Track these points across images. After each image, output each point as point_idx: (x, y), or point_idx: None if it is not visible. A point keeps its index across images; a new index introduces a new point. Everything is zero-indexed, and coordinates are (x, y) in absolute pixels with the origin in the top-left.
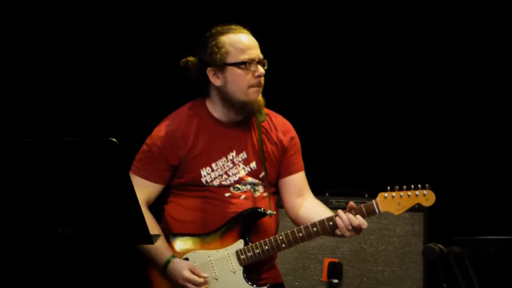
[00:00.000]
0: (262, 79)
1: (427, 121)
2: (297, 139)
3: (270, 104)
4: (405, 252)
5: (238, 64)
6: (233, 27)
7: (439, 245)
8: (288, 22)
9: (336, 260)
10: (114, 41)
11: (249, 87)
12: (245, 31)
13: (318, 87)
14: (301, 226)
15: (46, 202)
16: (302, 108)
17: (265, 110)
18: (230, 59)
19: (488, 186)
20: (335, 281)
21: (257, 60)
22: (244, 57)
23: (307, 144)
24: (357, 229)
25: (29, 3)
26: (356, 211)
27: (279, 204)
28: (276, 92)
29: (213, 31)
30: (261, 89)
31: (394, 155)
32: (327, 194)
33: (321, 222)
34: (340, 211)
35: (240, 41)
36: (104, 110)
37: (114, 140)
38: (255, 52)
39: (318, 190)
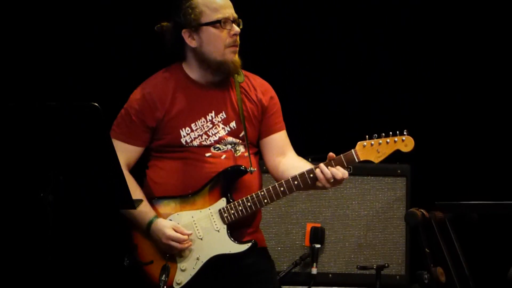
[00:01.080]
0: (238, 38)
1: (408, 87)
2: (276, 99)
3: (249, 68)
4: (387, 217)
5: (213, 23)
6: None
7: (422, 210)
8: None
9: (318, 225)
10: (93, 6)
11: (225, 46)
12: None
13: (299, 57)
14: (282, 180)
15: (27, 166)
16: (285, 75)
17: (243, 72)
18: (205, 19)
19: (470, 151)
20: (317, 246)
21: (231, 19)
22: (218, 16)
23: (290, 111)
24: (338, 181)
25: None
26: (336, 162)
27: (263, 169)
28: (258, 58)
29: None
30: (237, 49)
31: (376, 123)
32: (309, 160)
33: (302, 174)
34: (321, 164)
35: (214, 1)
36: (84, 76)
37: (96, 104)
38: (229, 11)
39: (301, 155)
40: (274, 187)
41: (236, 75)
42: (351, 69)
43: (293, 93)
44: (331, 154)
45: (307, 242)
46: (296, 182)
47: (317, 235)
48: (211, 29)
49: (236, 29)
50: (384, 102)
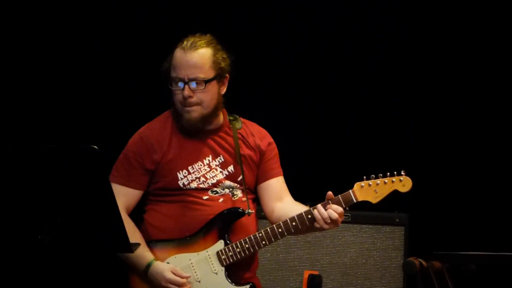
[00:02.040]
0: (193, 99)
1: (407, 135)
2: (274, 145)
3: (249, 114)
4: (385, 266)
5: (169, 80)
6: (188, 40)
7: (420, 260)
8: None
9: (316, 272)
10: (96, 47)
11: (180, 105)
12: (193, 46)
13: (297, 99)
14: (280, 222)
15: (26, 207)
16: (282, 120)
17: (241, 119)
18: (170, 74)
19: (469, 201)
20: None
21: (185, 80)
22: (172, 74)
23: (289, 155)
24: (335, 222)
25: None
26: (333, 202)
27: (260, 215)
28: (255, 104)
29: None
30: (189, 109)
31: (375, 168)
32: (308, 205)
33: (300, 215)
34: (318, 205)
35: (176, 57)
36: (86, 118)
37: (95, 147)
38: (184, 72)
39: (299, 200)
40: (272, 228)
41: (234, 122)
42: (348, 110)
43: (290, 138)
44: (329, 193)
45: None
46: (294, 223)
47: (315, 282)
48: (172, 85)
49: (185, 92)
50: (382, 146)
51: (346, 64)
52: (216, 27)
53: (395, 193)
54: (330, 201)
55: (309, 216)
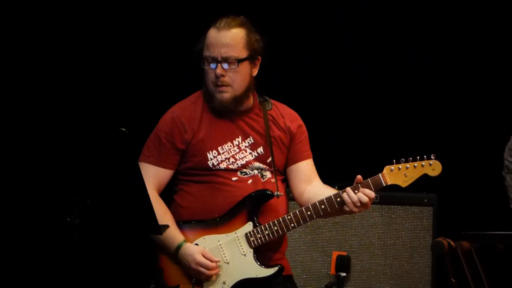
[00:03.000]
0: (226, 78)
1: (436, 117)
2: (304, 127)
3: (279, 98)
4: (413, 246)
5: (202, 60)
6: (221, 20)
7: (448, 240)
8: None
9: (344, 253)
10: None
11: (212, 84)
12: (228, 26)
13: (327, 84)
14: (309, 204)
15: (55, 190)
16: (312, 102)
17: (272, 101)
18: (203, 53)
19: (497, 180)
20: (343, 274)
21: (218, 59)
22: (205, 53)
23: (317, 138)
24: (365, 205)
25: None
26: (363, 186)
27: (289, 196)
28: (287, 88)
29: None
30: (222, 89)
31: (403, 150)
32: (336, 187)
33: (329, 198)
34: (348, 188)
35: (209, 36)
36: (116, 100)
37: (123, 129)
38: (218, 50)
39: (327, 183)
40: (301, 211)
41: (264, 103)
42: (376, 95)
43: (319, 121)
44: (358, 177)
45: (332, 271)
46: (323, 206)
47: (343, 263)
48: (204, 64)
49: (217, 70)
50: (412, 130)
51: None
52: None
53: (424, 174)
54: (360, 184)
55: (338, 199)
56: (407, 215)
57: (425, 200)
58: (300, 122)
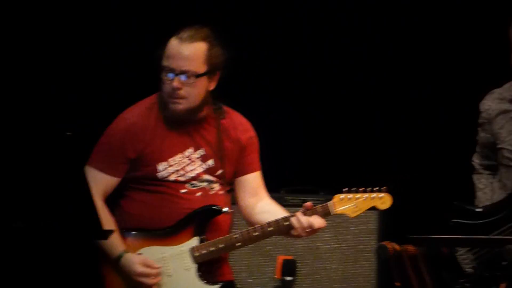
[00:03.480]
0: (181, 92)
1: (383, 119)
2: (256, 139)
3: (230, 101)
4: (359, 250)
5: (160, 68)
6: (185, 31)
7: (393, 244)
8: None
9: (290, 257)
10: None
11: (167, 95)
12: (190, 38)
13: (276, 84)
14: (257, 226)
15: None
16: (259, 105)
17: (225, 108)
18: (162, 62)
19: (443, 185)
20: (289, 278)
21: (176, 72)
22: (164, 63)
23: (265, 141)
24: (315, 230)
25: None
26: (311, 213)
27: (233, 201)
28: (234, 90)
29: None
30: (177, 100)
31: (349, 152)
32: (282, 191)
33: (277, 222)
34: (298, 213)
35: (170, 47)
36: (63, 101)
37: (69, 133)
38: (176, 63)
39: (274, 187)
40: (248, 232)
41: (218, 111)
42: (334, 110)
43: (268, 126)
44: (307, 204)
45: (278, 275)
46: (270, 229)
47: (289, 267)
48: (162, 73)
49: (173, 83)
50: (357, 135)
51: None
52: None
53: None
54: (307, 211)
55: (286, 223)
56: (352, 219)
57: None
58: (252, 133)
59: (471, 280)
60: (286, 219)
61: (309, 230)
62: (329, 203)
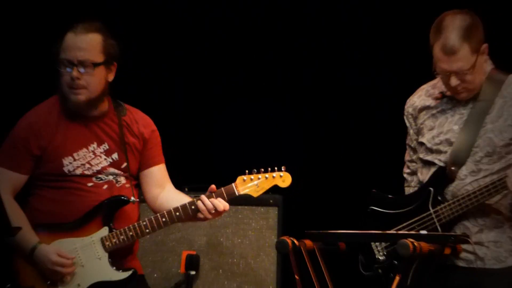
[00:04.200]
0: (81, 81)
1: (281, 121)
2: (157, 133)
3: (131, 101)
4: (259, 245)
5: (57, 63)
6: (78, 25)
7: (292, 239)
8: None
9: (193, 252)
10: None
11: (67, 86)
12: (85, 30)
13: (173, 85)
14: (164, 211)
15: None
16: (164, 107)
17: (126, 106)
18: (59, 56)
19: (338, 183)
20: (192, 272)
21: (75, 62)
22: (62, 56)
23: (169, 142)
24: (219, 212)
25: None
26: (216, 194)
27: (140, 198)
28: (139, 91)
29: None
30: (79, 91)
31: (249, 155)
32: (186, 189)
33: (184, 206)
34: (202, 196)
35: (66, 40)
36: None
37: None
38: (74, 53)
39: (177, 185)
40: (156, 218)
41: (119, 108)
42: (229, 100)
43: (174, 124)
44: (212, 186)
45: (182, 269)
46: (177, 213)
47: (192, 262)
48: (60, 67)
49: (74, 73)
50: (257, 135)
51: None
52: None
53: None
54: (213, 193)
55: (193, 207)
56: (253, 215)
57: (271, 201)
58: (154, 127)
59: (383, 266)
60: (192, 203)
61: (214, 212)
62: (233, 184)
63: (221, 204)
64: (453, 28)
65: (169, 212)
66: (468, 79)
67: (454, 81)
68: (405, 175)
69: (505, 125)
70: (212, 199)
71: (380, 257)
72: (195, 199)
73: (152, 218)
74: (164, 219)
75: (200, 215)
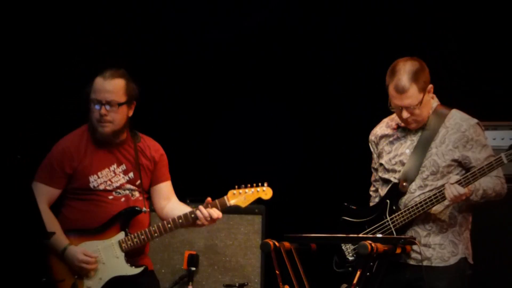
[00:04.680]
0: (108, 117)
1: (269, 137)
2: (165, 156)
3: (144, 129)
4: (247, 246)
5: (88, 101)
6: (106, 71)
7: (273, 241)
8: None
9: (194, 252)
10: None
11: (96, 121)
12: (111, 76)
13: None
14: (170, 219)
15: None
16: (172, 132)
17: (140, 134)
18: (90, 95)
19: (312, 194)
20: (193, 268)
21: (103, 102)
22: (92, 96)
23: (174, 162)
24: (214, 220)
25: None
26: (211, 205)
27: (151, 208)
28: (150, 119)
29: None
30: (104, 124)
31: (239, 171)
32: (188, 201)
33: (185, 215)
34: (200, 206)
35: (96, 83)
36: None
37: (19, 156)
38: (102, 95)
39: (181, 197)
40: (163, 224)
41: (134, 136)
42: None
43: (179, 150)
44: (208, 199)
45: (185, 266)
46: (180, 221)
47: (193, 260)
48: (90, 105)
49: (102, 111)
50: (245, 154)
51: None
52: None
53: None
54: (209, 204)
55: (193, 215)
56: (242, 222)
57: (256, 210)
58: (162, 152)
59: (353, 265)
60: (192, 212)
61: (209, 219)
62: (225, 197)
63: (215, 213)
64: (404, 71)
65: (173, 219)
66: (417, 113)
67: (405, 114)
68: (370, 193)
69: (447, 150)
70: (208, 209)
71: (350, 258)
72: (194, 209)
73: (160, 225)
74: (169, 225)
75: (198, 222)
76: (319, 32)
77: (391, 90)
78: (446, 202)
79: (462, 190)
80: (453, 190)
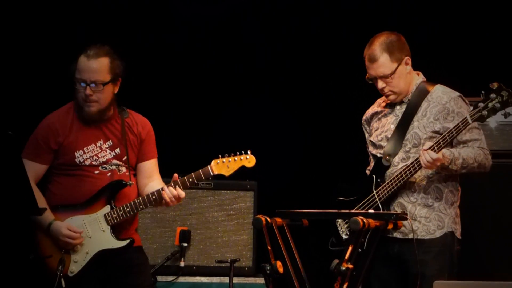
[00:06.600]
0: (93, 97)
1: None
2: (152, 133)
3: (135, 106)
4: (239, 222)
5: (74, 81)
6: (90, 49)
7: (265, 217)
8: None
9: (186, 228)
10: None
11: (82, 100)
12: (96, 55)
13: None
14: (154, 191)
15: None
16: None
17: (128, 110)
18: (75, 75)
19: (304, 170)
20: (185, 244)
21: (87, 82)
22: (77, 76)
23: (163, 139)
24: (178, 199)
25: None
26: (196, 175)
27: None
28: (140, 99)
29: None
30: (91, 104)
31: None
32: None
33: (158, 190)
34: (164, 186)
35: (80, 62)
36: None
37: (10, 133)
38: (87, 75)
39: (168, 172)
40: (147, 196)
41: (122, 112)
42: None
43: (167, 126)
44: (175, 175)
45: (176, 242)
46: (154, 197)
47: (185, 236)
48: (75, 84)
49: (87, 91)
50: (233, 133)
51: None
52: None
53: (243, 166)
54: (186, 177)
55: (153, 197)
56: (234, 198)
57: (248, 186)
58: (150, 128)
59: (346, 243)
60: (162, 188)
61: (174, 199)
62: (208, 167)
63: (179, 193)
64: (377, 42)
65: (155, 192)
66: (393, 84)
67: (380, 84)
68: (366, 171)
69: (428, 122)
70: (171, 189)
71: (344, 236)
72: (161, 188)
73: (144, 197)
74: (154, 197)
75: (163, 201)
76: (319, 31)
77: (366, 61)
78: (425, 171)
79: (434, 155)
80: (426, 156)
